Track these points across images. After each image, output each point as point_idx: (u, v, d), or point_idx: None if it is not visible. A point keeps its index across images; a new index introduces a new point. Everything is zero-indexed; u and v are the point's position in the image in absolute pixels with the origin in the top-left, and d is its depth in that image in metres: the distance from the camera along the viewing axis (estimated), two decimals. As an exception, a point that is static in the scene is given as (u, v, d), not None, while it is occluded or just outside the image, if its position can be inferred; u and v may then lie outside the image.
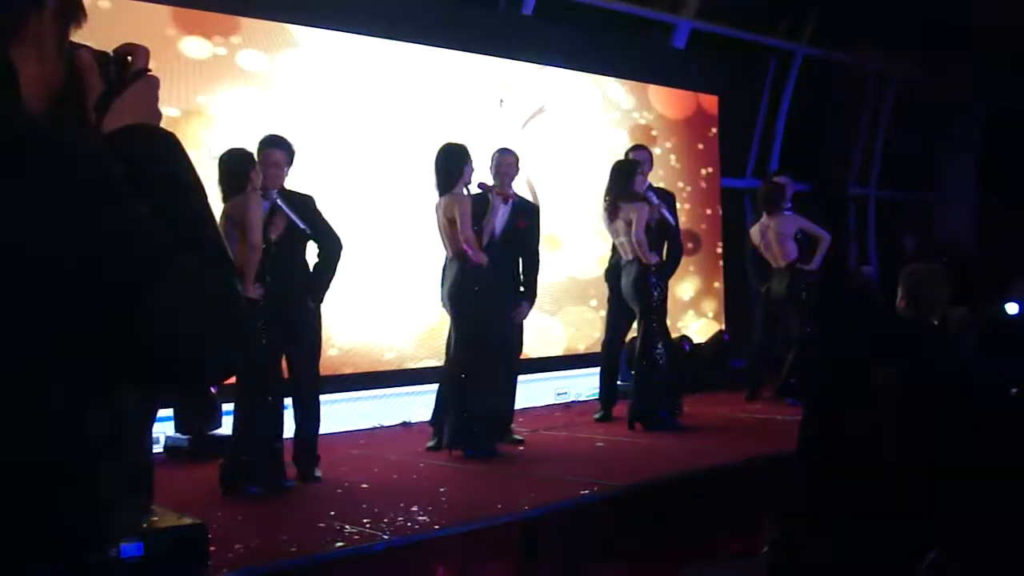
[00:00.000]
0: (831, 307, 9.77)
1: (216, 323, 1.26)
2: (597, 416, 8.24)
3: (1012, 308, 9.42)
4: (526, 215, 7.26)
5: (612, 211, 7.63)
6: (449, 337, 7.11)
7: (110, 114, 1.37)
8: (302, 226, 5.99)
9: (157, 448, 6.58)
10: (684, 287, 10.84)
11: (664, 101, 10.86)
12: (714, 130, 11.46)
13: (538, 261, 7.39)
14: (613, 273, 8.16)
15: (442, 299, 6.96)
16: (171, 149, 1.38)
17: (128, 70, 1.42)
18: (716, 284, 11.35)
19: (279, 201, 5.93)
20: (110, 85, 1.39)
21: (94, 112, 1.38)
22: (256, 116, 7.54)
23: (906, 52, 13.31)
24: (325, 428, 6.40)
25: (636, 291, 7.56)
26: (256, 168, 5.72)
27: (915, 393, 3.56)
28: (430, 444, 7.05)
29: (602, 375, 8.43)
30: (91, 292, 1.15)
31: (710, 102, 11.41)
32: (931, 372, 3.77)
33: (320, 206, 6.23)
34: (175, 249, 1.23)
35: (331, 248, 6.22)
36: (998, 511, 3.22)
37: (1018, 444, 3.37)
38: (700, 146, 11.24)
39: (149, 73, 1.44)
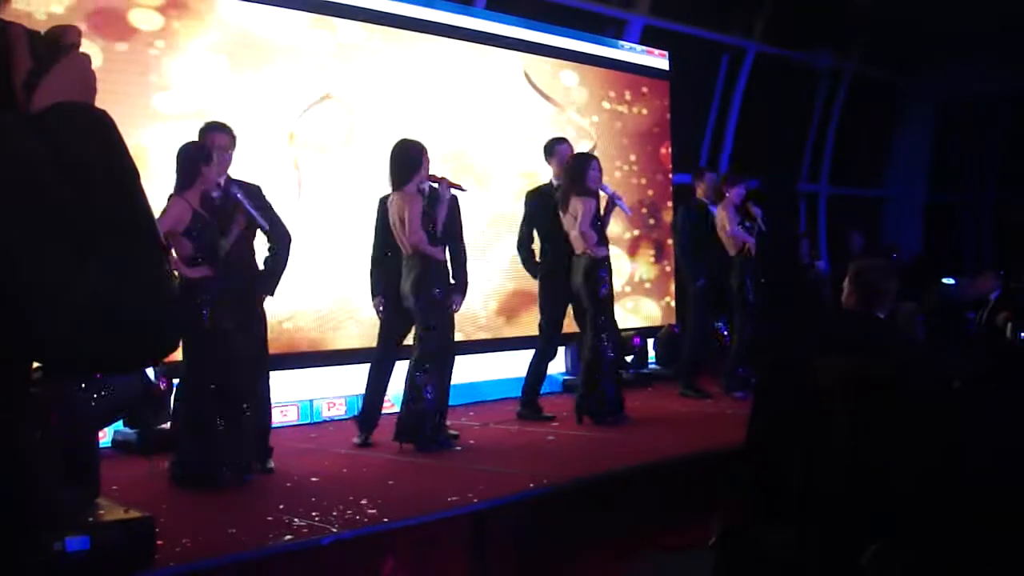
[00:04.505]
0: (780, 301, 9.86)
1: (143, 305, 1.24)
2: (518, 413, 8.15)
3: (948, 280, 9.78)
4: (458, 207, 7.21)
5: (564, 204, 7.66)
6: (383, 328, 7.13)
7: (38, 92, 1.32)
8: (261, 223, 5.99)
9: (105, 442, 6.51)
10: (637, 281, 10.88)
11: (617, 95, 10.88)
12: (667, 120, 11.49)
13: (466, 252, 7.37)
14: (547, 264, 8.13)
15: (381, 294, 7.00)
16: (100, 128, 1.33)
17: (59, 47, 1.37)
18: (668, 277, 11.39)
19: (240, 196, 5.91)
20: (39, 62, 1.34)
21: (22, 90, 1.33)
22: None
23: (857, 48, 13.49)
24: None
25: (586, 284, 7.58)
26: (210, 163, 5.71)
27: (862, 387, 3.59)
28: (359, 441, 6.99)
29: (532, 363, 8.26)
30: (12, 279, 1.13)
31: (662, 97, 11.43)
32: (878, 366, 3.81)
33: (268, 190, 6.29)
34: (100, 232, 1.20)
35: (281, 241, 6.26)
36: (941, 503, 3.27)
37: (960, 437, 3.42)
38: (653, 140, 11.26)
39: (80, 50, 1.39)
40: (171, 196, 5.64)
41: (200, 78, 7.53)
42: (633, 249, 10.79)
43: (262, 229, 6.07)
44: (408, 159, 6.65)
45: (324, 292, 8.16)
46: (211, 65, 7.60)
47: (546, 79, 10.12)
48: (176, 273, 5.38)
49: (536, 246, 8.26)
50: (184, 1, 7.50)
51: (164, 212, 5.57)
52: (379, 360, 7.15)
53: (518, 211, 8.45)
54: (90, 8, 6.94)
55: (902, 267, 11.26)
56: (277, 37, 8.01)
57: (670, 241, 11.24)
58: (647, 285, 11.07)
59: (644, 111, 11.13)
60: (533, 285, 8.37)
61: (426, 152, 6.76)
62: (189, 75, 7.47)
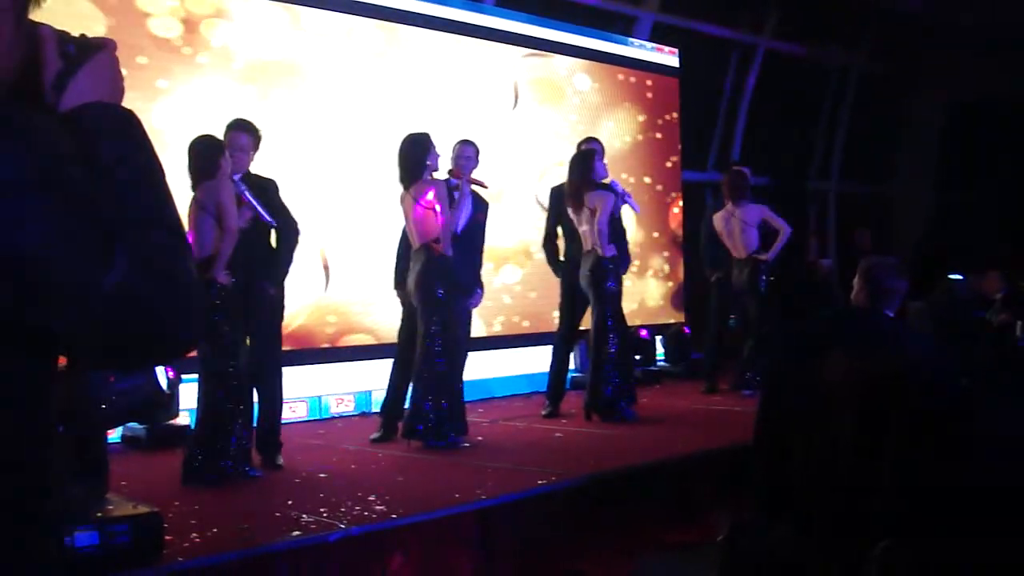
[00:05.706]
0: (789, 299, 9.83)
1: (169, 302, 1.26)
2: (544, 413, 8.09)
3: (955, 276, 9.79)
4: (483, 209, 7.24)
5: (577, 200, 7.61)
6: (403, 325, 7.14)
7: (67, 92, 1.34)
8: (267, 219, 5.97)
9: (114, 437, 6.53)
10: (646, 279, 10.87)
11: (628, 93, 10.87)
12: (676, 120, 11.48)
13: (481, 262, 7.49)
14: (568, 264, 8.12)
15: (403, 287, 6.96)
16: (128, 127, 1.35)
17: (88, 48, 1.38)
18: (678, 277, 11.37)
19: (245, 192, 5.91)
20: (69, 63, 1.36)
21: (52, 91, 1.35)
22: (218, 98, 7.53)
23: (866, 45, 13.44)
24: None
25: (593, 281, 7.57)
26: (226, 155, 5.69)
27: (869, 384, 3.59)
28: (375, 436, 7.00)
29: (551, 369, 8.30)
30: (39, 276, 1.15)
31: (672, 94, 11.43)
32: (886, 363, 3.80)
33: (282, 191, 6.31)
34: (126, 230, 1.22)
35: (288, 235, 6.27)
36: (948, 501, 3.26)
37: (967, 435, 3.41)
38: (661, 138, 11.25)
39: (108, 51, 1.40)
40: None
41: (212, 98, 7.56)
42: (642, 270, 10.78)
43: (268, 223, 6.06)
44: (416, 153, 6.63)
45: (335, 290, 8.18)
46: (224, 83, 7.66)
47: (558, 84, 10.13)
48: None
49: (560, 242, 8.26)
50: (195, 21, 7.56)
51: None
52: (399, 355, 7.16)
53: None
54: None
55: (910, 264, 11.23)
56: (285, 42, 8.05)
57: (679, 242, 11.25)
58: (655, 305, 11.07)
59: (655, 130, 11.11)
60: (542, 287, 8.36)
61: (476, 149, 6.97)
62: (199, 95, 7.52)
